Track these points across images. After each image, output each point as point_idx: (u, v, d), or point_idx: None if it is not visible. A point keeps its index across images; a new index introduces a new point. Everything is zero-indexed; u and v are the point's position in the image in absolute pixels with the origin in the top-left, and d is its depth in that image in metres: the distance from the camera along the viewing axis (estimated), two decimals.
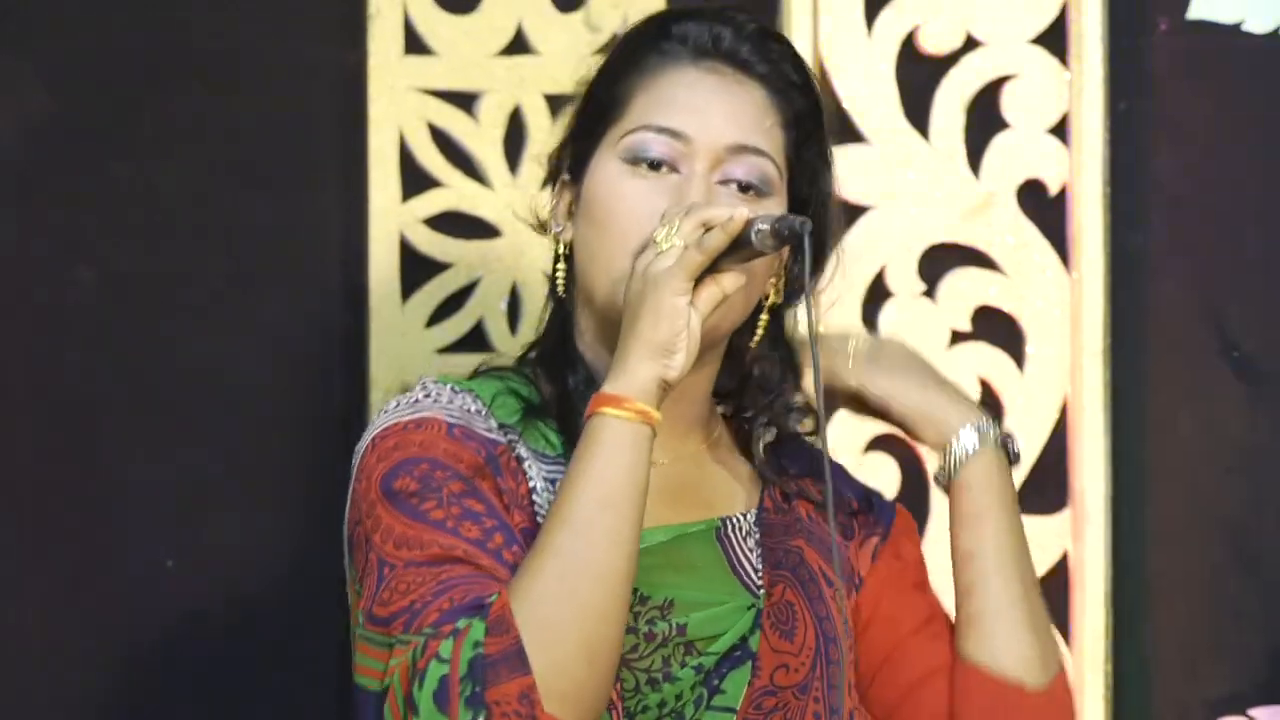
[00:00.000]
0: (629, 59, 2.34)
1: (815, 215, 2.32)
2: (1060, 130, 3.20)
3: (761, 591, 2.36)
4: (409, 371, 3.10)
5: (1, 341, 3.14)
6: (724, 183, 2.26)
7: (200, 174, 3.12)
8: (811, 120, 2.35)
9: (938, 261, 3.28)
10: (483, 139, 3.14)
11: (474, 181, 3.14)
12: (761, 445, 2.47)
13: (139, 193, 3.12)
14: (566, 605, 2.18)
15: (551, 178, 2.39)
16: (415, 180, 3.11)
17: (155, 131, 3.12)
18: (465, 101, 3.13)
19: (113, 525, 3.12)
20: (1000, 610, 2.46)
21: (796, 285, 2.41)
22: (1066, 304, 3.22)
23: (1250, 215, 3.30)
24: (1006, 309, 3.30)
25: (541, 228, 2.40)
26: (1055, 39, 3.18)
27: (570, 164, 2.33)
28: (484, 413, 2.34)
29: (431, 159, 3.12)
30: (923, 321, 3.27)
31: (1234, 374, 3.28)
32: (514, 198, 3.08)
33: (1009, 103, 3.26)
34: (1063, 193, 3.21)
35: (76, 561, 3.11)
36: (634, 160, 2.26)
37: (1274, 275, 3.34)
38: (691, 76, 2.30)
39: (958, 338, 3.29)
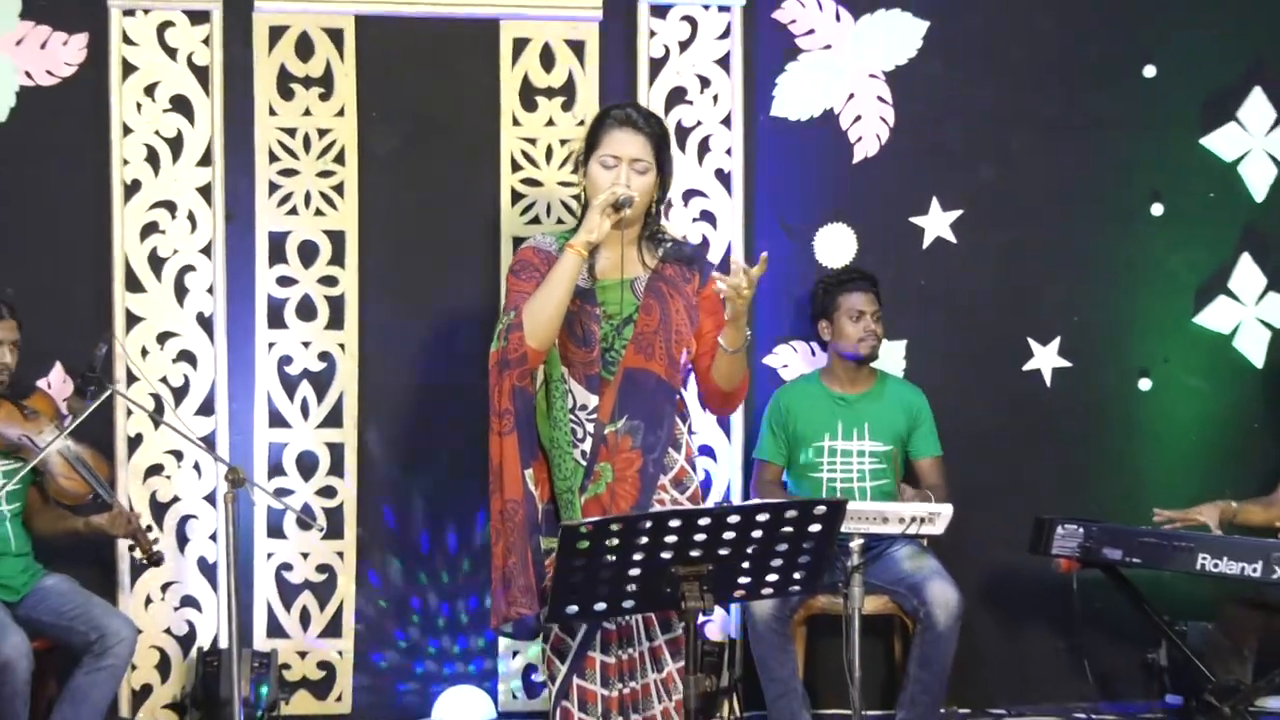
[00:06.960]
0: (598, 125, 4.54)
1: (664, 178, 4.54)
2: (729, 153, 6.04)
3: (640, 299, 4.51)
4: (517, 231, 5.92)
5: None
6: (637, 173, 4.43)
7: (438, 162, 6.02)
8: (665, 146, 4.56)
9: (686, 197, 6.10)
10: (540, 153, 6.10)
11: (538, 169, 6.10)
12: (661, 250, 4.61)
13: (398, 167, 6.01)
14: (537, 308, 4.37)
15: (575, 168, 4.58)
16: (518, 167, 6.10)
17: (405, 142, 6.06)
18: (537, 143, 6.12)
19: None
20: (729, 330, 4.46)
21: (660, 197, 4.47)
22: (740, 231, 5.96)
23: (792, 193, 6.04)
24: (718, 222, 6.10)
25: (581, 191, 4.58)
26: (728, 121, 6.03)
27: (584, 162, 4.54)
28: (552, 244, 4.50)
29: (524, 160, 6.10)
30: (685, 228, 5.91)
31: (784, 235, 6.00)
32: (553, 174, 6.04)
33: (709, 144, 6.16)
34: (729, 176, 6.04)
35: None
36: (604, 165, 4.51)
37: (816, 215, 6.07)
38: (619, 132, 4.51)
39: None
